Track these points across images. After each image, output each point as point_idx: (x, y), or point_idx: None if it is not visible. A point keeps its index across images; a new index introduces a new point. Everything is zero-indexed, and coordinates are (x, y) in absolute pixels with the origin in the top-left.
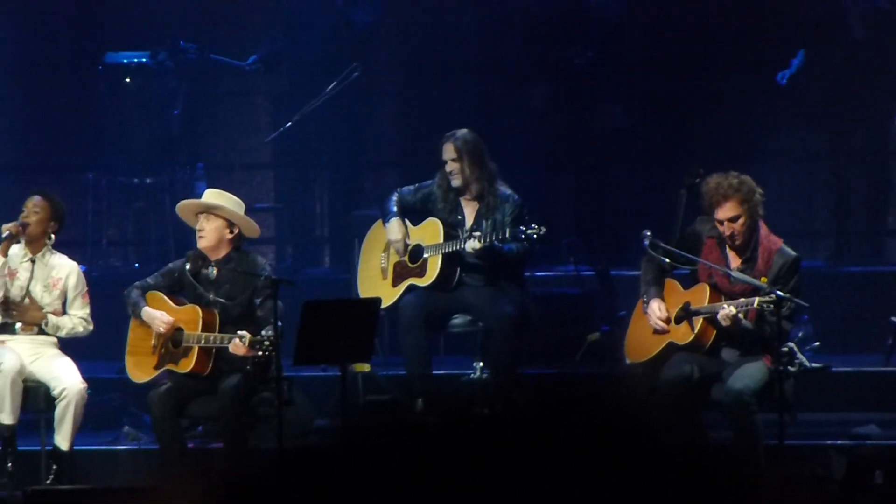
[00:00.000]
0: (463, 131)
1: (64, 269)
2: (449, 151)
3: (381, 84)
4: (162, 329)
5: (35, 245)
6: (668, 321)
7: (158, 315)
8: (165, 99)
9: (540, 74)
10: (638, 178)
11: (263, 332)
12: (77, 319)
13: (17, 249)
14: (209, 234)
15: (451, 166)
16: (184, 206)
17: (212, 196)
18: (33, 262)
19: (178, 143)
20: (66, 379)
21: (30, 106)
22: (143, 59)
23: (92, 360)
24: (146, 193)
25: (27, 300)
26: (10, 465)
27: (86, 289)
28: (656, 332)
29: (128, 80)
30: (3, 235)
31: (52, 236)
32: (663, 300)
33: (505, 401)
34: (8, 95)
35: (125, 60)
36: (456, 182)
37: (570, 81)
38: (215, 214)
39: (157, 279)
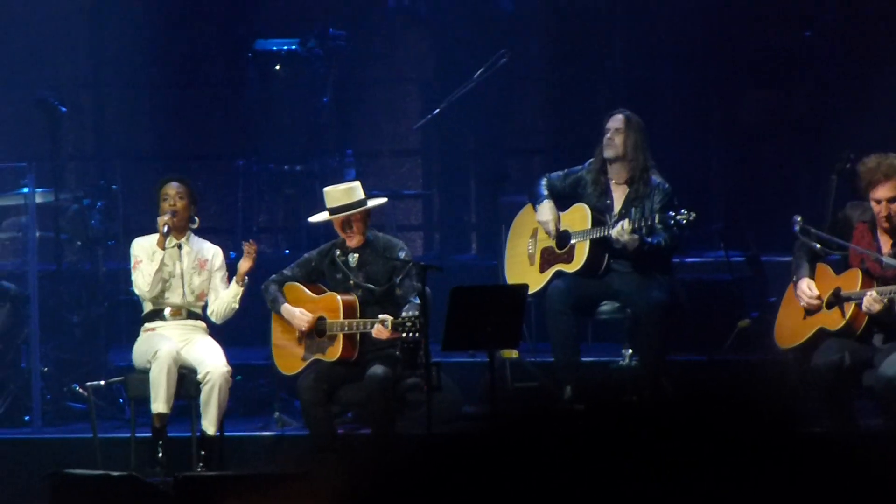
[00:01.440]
0: (627, 111)
1: (209, 251)
2: (617, 121)
3: (528, 70)
4: (304, 328)
5: (180, 231)
6: (819, 299)
7: (298, 313)
8: (315, 86)
9: (692, 59)
10: (788, 163)
11: (405, 313)
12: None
13: (157, 237)
14: (357, 234)
15: (612, 135)
16: (318, 220)
17: (340, 196)
18: (180, 247)
19: (328, 130)
20: (209, 363)
21: (180, 93)
22: (293, 47)
23: (242, 346)
24: (296, 180)
25: (185, 283)
26: (160, 454)
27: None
28: (807, 315)
29: (277, 67)
30: (164, 231)
31: (196, 220)
32: (813, 280)
33: (654, 388)
34: (159, 83)
35: (275, 48)
36: (609, 153)
37: (726, 66)
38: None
39: (293, 270)
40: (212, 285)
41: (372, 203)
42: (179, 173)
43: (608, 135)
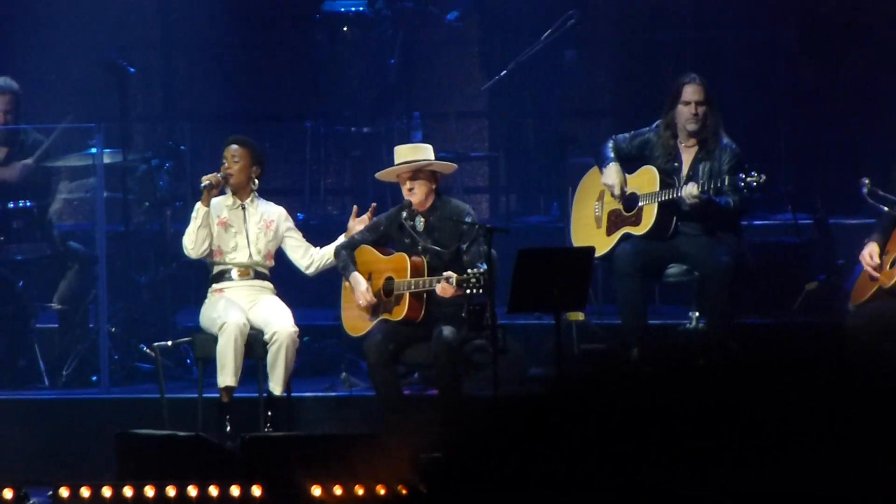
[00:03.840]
0: (698, 76)
1: (274, 213)
2: (697, 93)
3: (597, 32)
4: (363, 303)
5: (242, 192)
6: (878, 268)
7: (364, 288)
8: (382, 48)
9: (762, 21)
10: (856, 126)
11: (470, 270)
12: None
13: (223, 199)
14: (419, 191)
15: (694, 109)
16: (387, 174)
17: (408, 153)
18: (244, 208)
19: (395, 92)
20: (276, 323)
21: (249, 55)
22: (361, 8)
23: (310, 307)
24: (363, 142)
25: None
26: (228, 428)
27: None
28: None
29: (345, 28)
30: (203, 185)
31: (257, 181)
32: (881, 245)
33: (721, 350)
34: (227, 45)
35: (343, 9)
36: (692, 126)
37: (797, 29)
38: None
39: (363, 234)
40: (292, 245)
41: (437, 163)
42: (244, 135)
43: (691, 108)
